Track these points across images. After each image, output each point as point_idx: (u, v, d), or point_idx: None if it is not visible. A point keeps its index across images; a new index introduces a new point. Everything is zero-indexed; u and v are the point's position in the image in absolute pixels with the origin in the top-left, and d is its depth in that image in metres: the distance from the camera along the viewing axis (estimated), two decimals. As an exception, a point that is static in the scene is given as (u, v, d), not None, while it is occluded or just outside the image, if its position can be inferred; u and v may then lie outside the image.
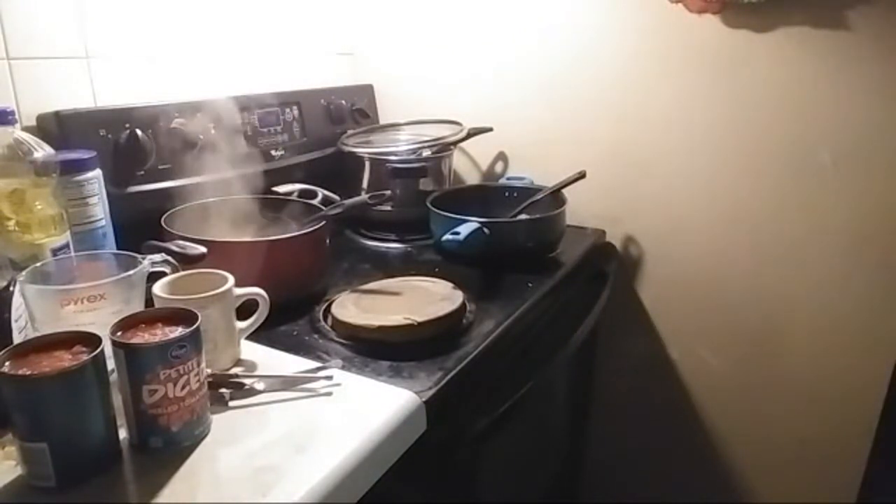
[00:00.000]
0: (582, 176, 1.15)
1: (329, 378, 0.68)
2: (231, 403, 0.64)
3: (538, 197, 1.19)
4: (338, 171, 1.26)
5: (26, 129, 0.84)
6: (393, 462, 0.63)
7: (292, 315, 0.85)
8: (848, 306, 1.14)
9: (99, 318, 0.59)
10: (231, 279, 0.70)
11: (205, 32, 1.12)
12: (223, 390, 0.65)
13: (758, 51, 1.10)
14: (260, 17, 1.23)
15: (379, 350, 0.76)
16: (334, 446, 0.58)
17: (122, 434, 0.57)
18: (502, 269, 1.04)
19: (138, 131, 0.92)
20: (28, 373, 0.50)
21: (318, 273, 0.95)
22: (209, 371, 0.62)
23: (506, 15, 1.30)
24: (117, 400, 0.55)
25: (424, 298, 0.86)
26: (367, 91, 1.43)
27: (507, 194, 1.26)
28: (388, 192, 1.06)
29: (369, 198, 0.98)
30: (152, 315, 0.59)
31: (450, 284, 0.90)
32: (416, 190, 1.23)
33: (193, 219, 0.92)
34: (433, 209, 1.11)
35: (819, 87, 1.07)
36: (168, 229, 0.84)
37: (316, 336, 0.81)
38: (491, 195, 1.26)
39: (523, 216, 1.19)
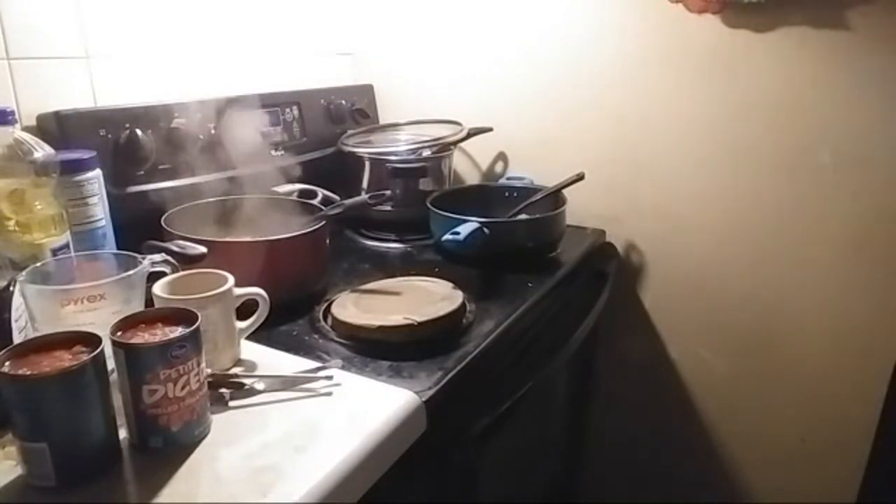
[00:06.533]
0: (581, 178, 1.15)
1: (329, 378, 0.68)
2: (231, 403, 0.64)
3: (538, 197, 1.19)
4: (338, 171, 1.26)
5: (26, 129, 0.84)
6: (393, 462, 0.62)
7: (292, 315, 0.85)
8: (848, 306, 1.14)
9: (99, 318, 0.59)
10: (231, 279, 0.70)
11: (205, 32, 1.12)
12: (223, 390, 0.65)
13: (758, 51, 1.10)
14: (260, 17, 1.23)
15: (379, 350, 0.76)
16: (334, 446, 0.58)
17: (122, 434, 0.57)
18: (502, 269, 1.04)
19: (138, 131, 0.92)
20: (28, 373, 0.50)
21: (318, 273, 0.95)
22: (209, 371, 0.62)
23: (506, 15, 1.30)
24: (117, 400, 0.55)
25: (424, 298, 0.86)
26: (367, 91, 1.43)
27: (507, 194, 1.26)
28: (388, 192, 1.06)
29: (369, 198, 0.98)
30: (152, 315, 0.59)
31: (450, 284, 0.90)
32: (416, 190, 1.22)
33: (193, 219, 0.92)
34: (433, 209, 1.11)
35: (819, 87, 1.07)
36: (168, 229, 0.83)
37: (316, 336, 0.81)
38: (491, 195, 1.26)
39: (523, 216, 1.19)
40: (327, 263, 0.98)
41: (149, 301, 0.66)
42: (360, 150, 1.25)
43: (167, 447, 0.56)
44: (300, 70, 1.34)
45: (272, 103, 1.18)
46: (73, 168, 0.78)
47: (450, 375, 0.72)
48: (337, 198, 1.08)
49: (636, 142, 1.24)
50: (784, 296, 1.19)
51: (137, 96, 0.98)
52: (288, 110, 1.21)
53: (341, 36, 1.46)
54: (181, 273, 0.70)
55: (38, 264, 0.64)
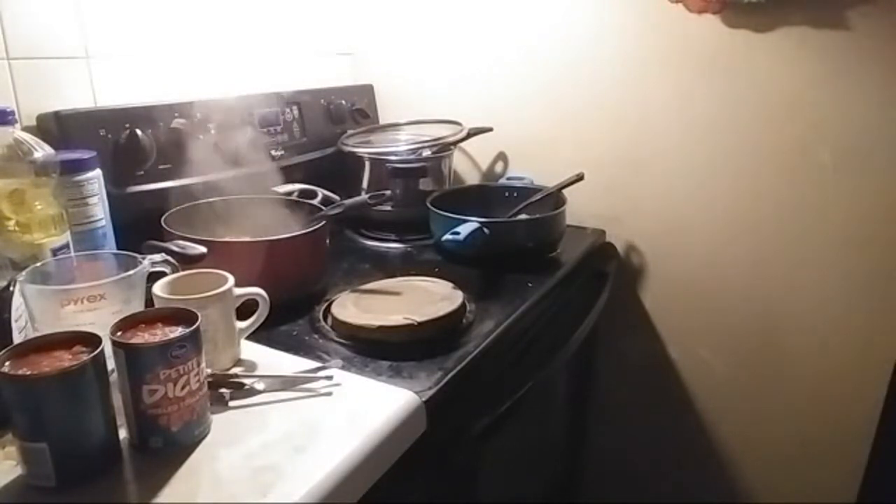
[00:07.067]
0: (580, 178, 1.15)
1: (329, 378, 0.68)
2: (231, 403, 0.64)
3: (538, 197, 1.19)
4: (338, 171, 1.26)
5: (26, 129, 0.84)
6: (393, 462, 0.63)
7: (292, 315, 0.85)
8: (848, 306, 1.14)
9: (99, 318, 0.59)
10: (231, 279, 0.70)
11: (205, 32, 1.12)
12: (223, 390, 0.65)
13: (758, 51, 1.10)
14: (260, 17, 1.23)
15: (379, 350, 0.76)
16: (334, 446, 0.58)
17: (122, 434, 0.57)
18: (502, 269, 1.04)
19: (138, 131, 0.92)
20: (28, 373, 0.50)
21: (318, 273, 0.95)
22: (209, 371, 0.62)
23: (506, 15, 1.30)
24: (117, 400, 0.55)
25: (424, 298, 0.86)
26: (367, 91, 1.43)
27: (507, 194, 1.26)
28: (388, 192, 1.06)
29: (369, 198, 0.98)
30: (152, 315, 0.59)
31: (450, 284, 0.90)
32: (416, 190, 1.22)
33: (193, 219, 0.92)
34: (433, 209, 1.11)
35: (819, 87, 1.07)
36: (168, 229, 0.83)
37: (316, 336, 0.81)
38: (491, 195, 1.26)
39: (523, 216, 1.19)
40: (327, 263, 0.98)
41: (149, 301, 0.66)
42: (360, 150, 1.25)
43: (167, 447, 0.56)
44: (300, 70, 1.34)
45: (272, 103, 1.18)
46: (73, 168, 0.78)
47: (450, 375, 0.72)
48: (337, 198, 1.08)
49: (636, 142, 1.24)
50: (784, 296, 1.19)
51: (137, 96, 0.98)
52: (288, 110, 1.21)
53: (341, 36, 1.46)
54: (181, 273, 0.70)
55: (38, 264, 0.64)
